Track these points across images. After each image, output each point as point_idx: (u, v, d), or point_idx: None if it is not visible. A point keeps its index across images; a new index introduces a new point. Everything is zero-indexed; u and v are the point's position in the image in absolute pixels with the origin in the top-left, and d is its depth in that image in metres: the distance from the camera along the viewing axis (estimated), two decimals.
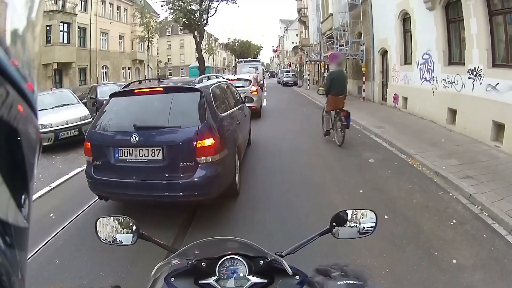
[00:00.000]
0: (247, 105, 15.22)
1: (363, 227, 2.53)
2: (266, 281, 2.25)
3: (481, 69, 13.55)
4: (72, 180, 12.13)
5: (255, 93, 23.40)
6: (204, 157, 7.62)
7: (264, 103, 31.35)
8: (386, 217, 7.75)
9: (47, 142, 16.89)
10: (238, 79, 24.66)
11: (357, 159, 12.89)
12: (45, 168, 13.45)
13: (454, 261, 6.16)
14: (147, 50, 69.13)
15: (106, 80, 52.93)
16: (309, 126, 20.01)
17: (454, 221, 7.61)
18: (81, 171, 11.10)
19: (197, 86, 8.62)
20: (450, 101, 16.12)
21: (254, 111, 21.52)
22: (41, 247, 7.45)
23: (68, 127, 17.50)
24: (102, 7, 57.46)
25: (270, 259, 2.28)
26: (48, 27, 44.46)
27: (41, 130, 15.81)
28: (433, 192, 9.31)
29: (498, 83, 12.53)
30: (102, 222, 2.65)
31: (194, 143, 7.60)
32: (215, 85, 10.19)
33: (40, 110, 12.67)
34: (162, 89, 8.57)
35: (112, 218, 2.65)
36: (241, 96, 14.38)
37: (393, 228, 7.37)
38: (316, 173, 11.50)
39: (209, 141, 7.66)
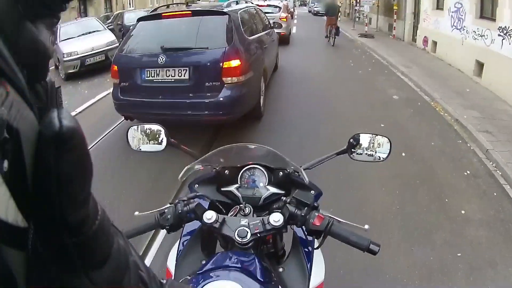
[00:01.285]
0: (276, 30, 15.23)
1: (378, 154, 2.63)
2: (283, 192, 2.42)
3: (511, 29, 13.35)
4: (97, 104, 12.37)
5: (285, 20, 23.37)
6: (229, 78, 7.75)
7: (294, 30, 30.97)
8: (403, 154, 7.88)
9: (73, 69, 17.13)
10: (268, 5, 24.86)
11: (381, 94, 12.92)
12: (70, 95, 13.64)
13: (463, 212, 6.25)
14: None
15: (132, 7, 51.45)
16: (336, 58, 19.96)
17: (468, 172, 7.65)
18: (106, 94, 11.34)
19: (225, 10, 8.75)
20: (479, 53, 15.73)
21: (283, 37, 21.52)
22: None
23: (94, 53, 17.64)
24: None
25: (289, 171, 2.46)
26: None
27: (66, 58, 16.55)
28: (451, 139, 9.34)
29: None
30: (133, 130, 2.74)
31: (220, 64, 7.73)
32: (243, 9, 10.29)
33: (65, 40, 14.30)
34: (190, 12, 8.70)
35: (143, 126, 2.74)
36: (270, 21, 14.39)
37: (408, 167, 7.49)
38: (340, 103, 11.65)
39: (235, 62, 7.79)
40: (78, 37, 18.46)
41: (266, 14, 15.72)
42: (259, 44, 10.30)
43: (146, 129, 2.74)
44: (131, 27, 9.57)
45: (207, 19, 8.61)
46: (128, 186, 6.94)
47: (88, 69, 17.23)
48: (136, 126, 2.75)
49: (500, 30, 13.81)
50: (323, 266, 2.37)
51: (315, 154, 7.63)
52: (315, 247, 2.26)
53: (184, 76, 7.85)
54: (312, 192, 2.39)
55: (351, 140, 2.64)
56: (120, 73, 8.42)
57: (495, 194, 7.00)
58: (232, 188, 2.44)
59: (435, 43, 20.99)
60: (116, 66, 8.50)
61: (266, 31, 12.30)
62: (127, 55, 8.57)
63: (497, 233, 5.87)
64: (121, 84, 8.42)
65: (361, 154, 2.64)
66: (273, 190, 2.42)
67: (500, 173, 7.72)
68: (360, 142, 2.63)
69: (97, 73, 16.66)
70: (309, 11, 63.89)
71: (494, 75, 14.08)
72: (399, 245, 5.39)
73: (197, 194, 2.31)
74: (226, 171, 2.50)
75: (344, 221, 2.05)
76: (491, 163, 8.17)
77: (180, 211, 2.10)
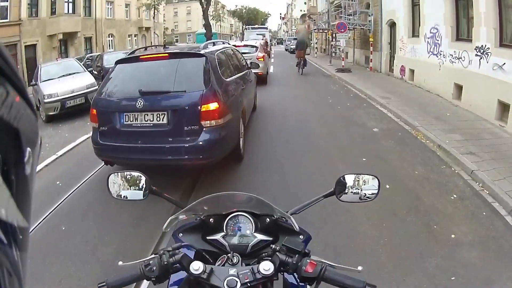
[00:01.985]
0: (254, 71, 15.16)
1: (365, 193, 2.58)
2: (271, 238, 2.36)
3: (488, 48, 13.37)
4: (78, 147, 12.26)
5: (262, 59, 23.36)
6: (208, 121, 7.69)
7: (271, 69, 31.34)
8: (387, 186, 7.78)
9: (53, 111, 17.12)
10: (245, 46, 24.85)
11: (362, 127, 12.92)
12: (51, 137, 13.59)
13: (453, 236, 6.20)
14: (153, 18, 68.13)
15: (112, 49, 52.50)
16: (315, 95, 20.04)
17: (455, 196, 7.64)
18: (87, 138, 11.20)
19: (202, 52, 8.66)
20: (457, 76, 15.94)
21: (261, 77, 21.57)
22: (47, 215, 7.59)
23: (75, 95, 17.66)
24: None
25: (277, 217, 2.39)
26: None
27: (47, 100, 16.40)
28: (435, 165, 9.33)
29: (504, 63, 12.32)
30: (113, 178, 2.67)
31: (199, 107, 7.67)
32: (220, 50, 10.24)
33: (46, 80, 14.14)
34: (167, 54, 8.60)
35: (123, 173, 2.68)
36: (247, 62, 14.33)
37: (393, 198, 7.43)
38: (321, 139, 11.63)
39: (213, 105, 7.73)
40: (59, 78, 18.55)
41: (244, 55, 15.80)
42: (237, 85, 10.27)
43: (127, 176, 2.69)
44: (110, 69, 9.49)
45: (184, 61, 8.49)
46: (109, 231, 6.85)
47: (68, 111, 17.29)
48: (116, 173, 2.70)
49: (477, 50, 14.08)
50: None
51: (298, 192, 7.71)
52: None
53: (163, 120, 7.80)
54: (301, 236, 2.37)
55: (338, 181, 2.61)
56: (99, 117, 8.36)
57: (484, 213, 7.00)
58: (218, 236, 2.39)
59: (412, 71, 21.32)
60: (95, 110, 8.44)
61: (244, 72, 12.26)
62: (105, 98, 8.49)
63: (490, 251, 5.84)
64: (100, 128, 8.34)
65: (349, 195, 2.60)
66: (260, 237, 2.37)
67: (487, 192, 7.73)
68: (347, 183, 2.60)
69: (78, 116, 16.68)
70: (286, 49, 64.65)
71: (474, 96, 14.26)
72: (390, 275, 5.31)
73: (182, 244, 2.25)
74: (211, 219, 2.46)
75: (336, 265, 1.98)
76: (477, 183, 8.18)
77: (165, 262, 2.02)
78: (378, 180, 2.59)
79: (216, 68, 8.65)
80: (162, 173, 8.43)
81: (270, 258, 2.03)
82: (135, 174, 2.66)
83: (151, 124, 7.87)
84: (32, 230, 6.92)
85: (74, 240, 6.72)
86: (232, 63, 11.17)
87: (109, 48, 52.40)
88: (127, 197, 2.67)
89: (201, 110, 7.66)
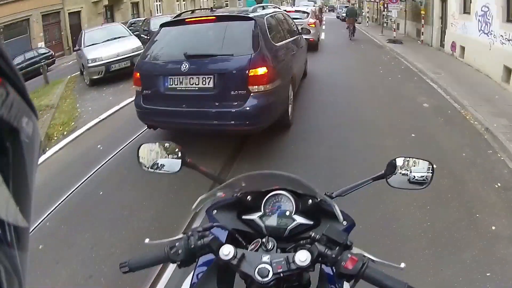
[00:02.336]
0: (304, 37, 14.93)
1: (414, 176, 2.44)
2: (312, 222, 2.18)
3: None
4: (122, 111, 12.42)
5: (313, 25, 23.15)
6: (256, 86, 7.55)
7: (322, 36, 31.09)
8: (435, 166, 7.55)
9: (97, 75, 17.35)
10: (296, 11, 24.61)
11: (412, 102, 12.67)
12: (95, 100, 13.88)
13: (493, 228, 6.01)
14: None
15: (160, 13, 52.28)
16: (365, 64, 19.86)
17: (499, 184, 7.40)
18: (131, 102, 11.04)
19: (251, 15, 8.54)
20: (507, 59, 15.40)
21: (312, 43, 21.39)
22: (85, 180, 7.66)
23: (119, 59, 17.79)
24: None
25: (320, 199, 2.20)
26: None
27: (90, 64, 16.87)
28: (482, 149, 9.09)
29: None
30: (145, 148, 2.60)
31: (247, 72, 7.52)
32: (270, 14, 10.04)
33: (90, 45, 15.03)
34: (214, 17, 8.48)
35: (156, 144, 2.60)
36: (298, 27, 14.09)
37: (440, 180, 7.14)
38: (370, 111, 11.43)
39: (261, 70, 7.58)
40: (103, 43, 18.68)
41: (294, 20, 15.55)
42: (287, 51, 10.06)
43: (160, 146, 2.61)
44: (154, 33, 9.45)
45: (232, 25, 8.46)
46: (147, 198, 6.88)
47: (113, 75, 17.38)
48: (148, 144, 2.62)
49: None
50: None
51: (346, 165, 7.58)
52: None
53: (209, 84, 7.69)
54: (344, 223, 2.19)
55: (389, 164, 2.47)
56: (143, 81, 8.33)
57: None
58: (255, 216, 2.20)
59: (463, 48, 20.74)
60: (138, 73, 8.41)
61: (294, 37, 11.94)
62: (149, 62, 8.46)
63: None
64: (144, 91, 8.32)
65: (397, 176, 2.46)
66: (300, 220, 2.16)
67: None
68: (398, 167, 2.46)
69: (123, 79, 16.74)
70: (337, 17, 63.70)
71: None
72: (428, 263, 5.20)
73: (214, 224, 2.11)
74: (249, 197, 2.28)
75: (378, 260, 1.83)
76: None
77: (192, 246, 1.91)
78: (432, 166, 2.46)
79: (265, 32, 8.48)
80: (206, 138, 8.45)
81: (308, 247, 1.90)
82: (169, 144, 2.58)
83: (197, 88, 7.77)
84: (68, 195, 7.12)
85: (110, 205, 6.80)
86: (282, 28, 10.96)
87: (157, 13, 52.35)
88: (159, 169, 2.57)
89: (249, 74, 7.50)
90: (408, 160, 2.46)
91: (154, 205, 6.61)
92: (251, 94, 7.55)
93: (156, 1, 55.37)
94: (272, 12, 10.59)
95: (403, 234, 5.79)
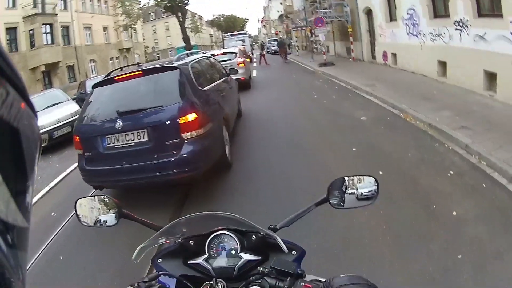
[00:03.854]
0: (235, 77, 15.12)
1: (361, 192, 2.37)
2: (260, 258, 2.11)
3: (467, 20, 13.35)
4: (69, 176, 12.18)
5: (243, 64, 23.29)
6: (189, 132, 7.60)
7: (254, 73, 31.24)
8: (380, 173, 7.56)
9: (42, 143, 16.78)
10: (224, 53, 24.95)
11: (349, 118, 12.74)
12: (43, 169, 13.47)
13: (454, 213, 6.02)
14: (131, 38, 68.90)
15: (95, 74, 52.63)
16: (299, 92, 20.12)
17: (452, 172, 7.47)
18: (77, 166, 10.96)
19: (175, 64, 8.68)
20: (439, 53, 16.08)
21: (243, 82, 21.67)
22: (45, 247, 7.51)
23: (61, 125, 17.48)
24: (82, 2, 57.31)
25: (263, 234, 2.15)
26: (30, 32, 44.76)
27: None
28: (428, 145, 9.20)
29: (485, 33, 12.29)
30: (82, 203, 2.52)
31: (177, 120, 7.59)
32: (195, 61, 10.19)
33: None
34: (141, 72, 8.56)
35: (92, 198, 2.54)
36: (225, 69, 14.17)
37: (388, 184, 7.13)
38: (308, 137, 11.40)
39: (191, 116, 7.65)
40: (43, 110, 18.30)
41: (223, 62, 16.39)
42: (216, 93, 10.21)
43: (96, 201, 2.53)
44: (88, 94, 9.48)
45: (158, 77, 8.47)
46: (106, 256, 6.75)
47: (57, 141, 17.13)
48: (84, 199, 2.54)
49: (456, 24, 14.11)
50: None
51: (292, 195, 7.51)
52: None
53: (144, 138, 7.71)
54: (294, 252, 2.12)
55: (330, 186, 2.39)
56: (82, 143, 8.31)
57: (484, 185, 6.84)
58: (200, 260, 2.14)
59: (394, 55, 21.38)
60: (77, 137, 8.39)
61: (222, 79, 12.13)
62: (86, 124, 8.44)
63: (496, 223, 5.67)
64: (85, 154, 8.28)
65: (346, 199, 2.38)
66: (247, 257, 2.10)
67: (485, 163, 7.60)
68: (341, 187, 2.38)
69: (66, 145, 16.33)
70: (267, 52, 64.75)
71: (459, 70, 14.27)
72: (392, 263, 5.14)
73: (159, 273, 2.07)
74: (191, 241, 2.23)
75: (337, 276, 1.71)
76: (473, 156, 8.05)
77: None
78: (376, 180, 2.40)
79: (191, 79, 8.60)
80: (153, 191, 8.36)
81: (258, 283, 1.85)
82: (104, 197, 2.50)
83: (133, 143, 7.78)
84: (31, 264, 6.93)
85: (72, 268, 6.66)
86: (208, 72, 11.12)
87: (92, 74, 52.73)
88: (97, 224, 2.51)
89: (180, 122, 7.58)
90: (352, 179, 2.40)
91: (114, 262, 6.44)
92: (186, 141, 7.62)
93: (90, 62, 56.35)
94: (197, 58, 10.76)
95: (361, 244, 5.72)
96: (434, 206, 6.32)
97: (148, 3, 67.21)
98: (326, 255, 5.24)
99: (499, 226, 5.58)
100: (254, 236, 2.16)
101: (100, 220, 2.48)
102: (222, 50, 27.81)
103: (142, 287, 1.88)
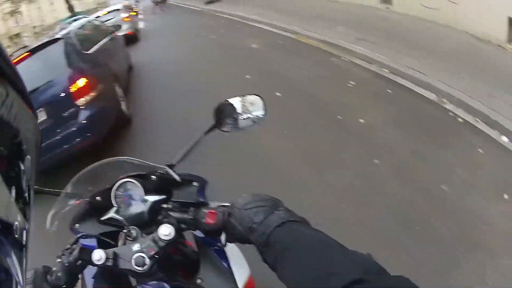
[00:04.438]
0: (121, 33, 14.99)
1: (255, 117, 2.21)
2: (165, 196, 2.01)
3: None
4: None
5: (127, 19, 23.17)
6: (82, 98, 7.48)
7: (141, 25, 30.48)
8: (278, 94, 7.50)
9: None
10: (109, 12, 24.89)
11: (239, 49, 12.64)
12: None
13: (362, 121, 6.07)
14: (17, 23, 67.39)
15: None
16: (187, 32, 20.60)
17: (352, 83, 7.49)
18: None
19: (59, 36, 8.65)
20: None
21: (131, 36, 21.55)
22: None
23: None
24: None
25: (161, 172, 2.06)
26: None
27: None
28: (325, 61, 9.16)
29: None
30: None
31: (69, 89, 7.44)
32: (77, 27, 10.20)
33: None
34: (28, 53, 8.34)
35: None
36: (109, 27, 13.90)
37: (288, 104, 7.11)
38: (200, 77, 11.18)
39: (81, 82, 7.52)
40: None
41: (109, 21, 16.70)
42: (102, 53, 9.98)
43: None
44: None
45: (44, 52, 8.27)
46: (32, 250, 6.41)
47: None
48: None
49: None
50: (243, 258, 2.14)
51: (192, 135, 7.38)
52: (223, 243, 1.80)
53: (42, 117, 7.39)
54: (195, 183, 2.03)
55: (217, 110, 2.21)
56: None
57: (389, 91, 6.92)
58: (111, 213, 1.99)
59: None
60: None
61: (107, 38, 11.72)
62: None
63: (413, 126, 5.79)
64: None
65: (233, 122, 2.22)
66: (152, 198, 1.99)
67: (387, 70, 7.67)
68: (228, 110, 2.22)
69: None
70: (153, 2, 63.98)
71: None
72: (314, 183, 5.06)
73: (77, 236, 1.98)
74: (98, 197, 2.08)
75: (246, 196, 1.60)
76: (374, 65, 8.09)
77: (67, 264, 1.74)
78: (262, 98, 2.23)
79: (75, 46, 8.56)
80: (66, 168, 7.88)
81: (166, 220, 1.77)
82: None
83: None
84: None
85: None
86: (92, 34, 10.98)
87: None
88: None
89: (71, 91, 7.42)
90: (242, 104, 2.24)
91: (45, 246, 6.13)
92: (81, 107, 7.49)
93: None
94: (79, 24, 10.79)
95: (274, 170, 5.56)
96: (339, 117, 6.32)
97: None
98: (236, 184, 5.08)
99: (411, 128, 5.70)
100: (153, 177, 2.07)
101: None
102: (106, 10, 27.30)
103: (66, 255, 1.75)
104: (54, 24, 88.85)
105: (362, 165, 5.10)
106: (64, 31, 9.17)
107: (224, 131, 2.21)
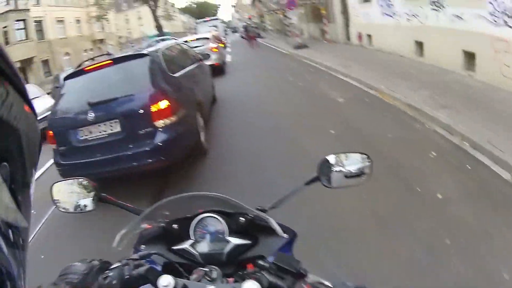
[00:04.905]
0: (208, 62, 14.85)
1: (349, 170, 2.22)
2: (250, 242, 1.97)
3: None
4: (47, 172, 11.73)
5: (215, 50, 23.16)
6: (162, 120, 7.47)
7: (228, 58, 30.82)
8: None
9: None
10: (197, 39, 24.62)
11: (326, 100, 12.54)
12: None
13: (439, 196, 5.87)
14: (103, 29, 68.70)
15: (69, 67, 52.42)
16: (274, 75, 19.87)
17: (434, 154, 7.30)
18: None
19: (146, 52, 8.55)
20: (416, 33, 15.86)
21: (217, 67, 21.50)
22: None
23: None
24: None
25: (252, 216, 1.98)
26: (4, 29, 44.50)
27: None
28: (408, 125, 9.03)
29: (462, 12, 12.07)
30: (59, 187, 2.40)
31: (149, 108, 7.43)
32: (166, 47, 10.04)
33: None
34: (111, 61, 8.37)
35: (70, 181, 2.41)
36: (198, 54, 13.90)
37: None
38: (284, 120, 11.14)
39: (163, 104, 7.52)
40: None
41: (196, 48, 16.42)
42: (188, 79, 10.07)
43: (74, 185, 2.39)
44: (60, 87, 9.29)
45: (128, 65, 8.36)
46: (88, 250, 6.11)
47: None
48: (61, 183, 2.41)
49: (432, 4, 13.70)
50: None
51: (270, 178, 7.42)
52: None
53: (116, 128, 7.50)
54: (285, 235, 1.94)
55: (321, 164, 2.23)
56: (56, 137, 8.09)
57: (468, 166, 6.69)
58: (186, 245, 1.97)
59: (369, 36, 21.15)
60: (51, 131, 8.16)
61: (195, 65, 11.94)
62: (59, 117, 8.25)
63: (483, 204, 5.52)
64: (60, 148, 8.08)
65: (336, 178, 2.22)
66: (236, 241, 1.95)
67: (467, 144, 7.44)
68: (332, 165, 2.22)
69: (44, 141, 16.15)
70: (242, 37, 64.42)
71: (436, 50, 14.04)
72: (380, 250, 4.95)
73: (151, 251, 1.87)
74: (175, 225, 2.05)
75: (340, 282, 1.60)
76: (455, 136, 7.88)
77: (127, 276, 1.65)
78: (369, 157, 2.25)
79: (162, 65, 8.50)
80: (132, 180, 8.14)
81: (257, 277, 1.64)
82: (83, 181, 2.36)
83: (106, 135, 7.59)
84: None
85: (55, 266, 6.36)
86: (180, 58, 10.98)
87: (67, 67, 52.52)
88: (76, 209, 2.33)
89: (152, 110, 7.42)
90: (339, 156, 2.25)
91: (98, 254, 6.15)
92: (159, 129, 7.48)
93: (64, 56, 55.91)
94: (168, 45, 10.60)
95: (347, 229, 5.51)
96: (419, 189, 6.18)
97: None
98: (311, 245, 4.58)
99: (486, 207, 5.45)
100: (242, 218, 2.00)
101: (80, 204, 2.33)
102: (195, 36, 27.57)
103: (130, 265, 1.69)
104: (139, 38, 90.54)
105: (431, 240, 4.94)
106: (151, 48, 9.13)
107: (325, 185, 2.21)
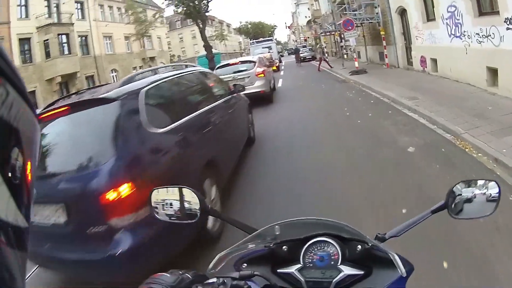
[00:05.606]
0: (252, 90, 12.76)
1: (487, 207, 1.98)
2: (362, 272, 1.84)
3: None
4: None
5: (262, 75, 20.25)
6: (121, 217, 4.48)
7: (279, 84, 29.47)
8: (445, 265, 4.89)
9: None
10: (242, 62, 21.75)
11: (391, 149, 9.60)
12: None
13: None
14: (142, 46, 68.79)
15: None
16: (328, 106, 17.32)
17: None
18: None
19: (114, 95, 5.38)
20: (488, 58, 13.84)
21: (263, 95, 19.75)
22: None
23: None
24: (101, 11, 58.01)
25: (371, 244, 1.88)
26: (46, 42, 44.97)
27: None
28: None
29: None
30: (159, 193, 2.27)
31: (102, 195, 4.42)
32: (162, 81, 6.77)
33: None
34: (67, 107, 5.37)
35: (172, 189, 2.28)
36: (230, 85, 11.25)
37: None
38: (337, 181, 8.03)
39: (124, 189, 4.48)
40: None
41: (239, 73, 15.88)
42: (195, 131, 6.64)
43: (176, 192, 2.23)
44: None
45: (87, 115, 5.24)
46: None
47: None
48: (162, 189, 2.28)
49: (508, 23, 12.18)
50: None
51: None
52: None
53: (62, 217, 4.63)
54: (401, 269, 1.72)
55: (450, 192, 2.03)
56: None
57: None
58: (293, 269, 1.85)
59: (434, 60, 19.65)
60: None
61: (220, 102, 8.81)
62: None
63: None
64: None
65: (463, 208, 2.02)
66: (348, 271, 1.79)
67: None
68: (460, 193, 2.02)
69: None
70: (296, 63, 63.49)
71: None
72: None
73: (254, 273, 1.65)
74: (284, 246, 1.94)
75: None
76: None
77: None
78: (499, 186, 1.97)
79: (137, 117, 5.34)
80: None
81: None
82: (186, 189, 2.21)
83: (49, 224, 4.72)
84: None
85: None
86: (188, 95, 7.75)
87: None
88: (176, 219, 2.20)
89: (105, 199, 4.43)
90: (471, 183, 2.07)
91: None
92: (117, 229, 4.51)
93: (112, 72, 57.04)
94: (168, 77, 7.18)
95: None
96: None
97: (163, 9, 71.00)
98: None
99: None
100: (359, 246, 1.90)
101: (179, 214, 2.20)
102: (239, 59, 24.96)
103: (227, 284, 1.53)
104: (193, 57, 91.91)
105: None
106: (129, 88, 5.81)
107: (452, 215, 2.08)
